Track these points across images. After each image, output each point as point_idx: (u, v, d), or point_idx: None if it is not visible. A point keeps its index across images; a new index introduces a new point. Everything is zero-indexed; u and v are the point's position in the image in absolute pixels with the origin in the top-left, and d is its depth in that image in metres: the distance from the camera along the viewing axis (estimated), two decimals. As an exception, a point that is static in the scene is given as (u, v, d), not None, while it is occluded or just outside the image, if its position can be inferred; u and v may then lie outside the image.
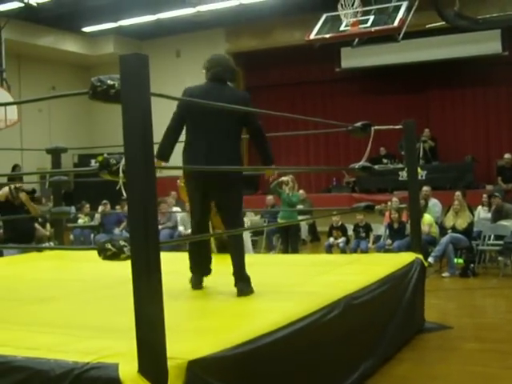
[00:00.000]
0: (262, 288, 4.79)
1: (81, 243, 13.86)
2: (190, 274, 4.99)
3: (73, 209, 15.18)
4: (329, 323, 4.18)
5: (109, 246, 3.09)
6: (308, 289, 4.77)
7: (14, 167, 16.41)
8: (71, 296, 4.84)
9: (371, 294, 4.96)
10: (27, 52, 18.28)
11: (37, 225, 14.49)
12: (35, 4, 15.14)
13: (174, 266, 6.43)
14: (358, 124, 6.21)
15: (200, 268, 5.02)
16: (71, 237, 14.16)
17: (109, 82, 3.04)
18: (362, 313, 4.76)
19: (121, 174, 3.07)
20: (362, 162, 6.18)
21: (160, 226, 13.30)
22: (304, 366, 3.91)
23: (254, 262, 6.84)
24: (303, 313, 3.95)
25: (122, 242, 3.06)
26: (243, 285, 4.61)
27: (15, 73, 18.03)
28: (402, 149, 13.29)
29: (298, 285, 4.95)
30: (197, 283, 4.96)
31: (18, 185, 8.39)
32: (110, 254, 3.09)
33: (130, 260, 2.87)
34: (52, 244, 8.01)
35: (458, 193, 10.96)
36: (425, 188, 11.83)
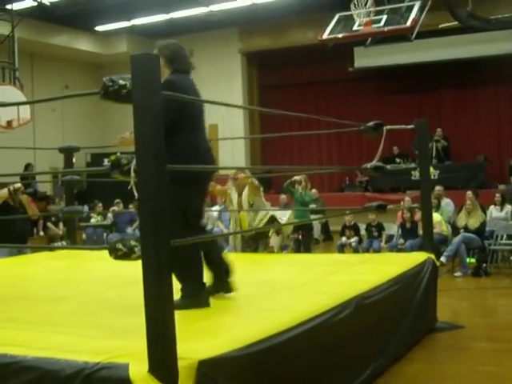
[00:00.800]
0: (273, 287, 4.81)
1: (93, 242, 13.92)
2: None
3: (85, 208, 15.27)
4: (340, 323, 4.17)
5: (120, 245, 3.10)
6: (319, 288, 4.76)
7: (27, 166, 16.49)
8: (83, 295, 4.85)
9: (383, 293, 4.95)
10: (40, 51, 18.33)
11: (49, 224, 14.66)
12: (48, 3, 15.20)
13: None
14: (371, 124, 6.19)
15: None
16: (84, 236, 14.22)
17: (120, 81, 3.04)
18: (374, 312, 4.75)
19: (132, 174, 3.09)
20: (375, 162, 6.17)
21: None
22: (314, 366, 3.91)
23: (266, 261, 6.92)
24: (314, 312, 3.95)
25: (132, 242, 3.06)
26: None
27: (28, 72, 18.10)
28: (415, 148, 13.27)
29: (310, 284, 4.95)
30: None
31: (17, 186, 8.31)
32: (120, 253, 3.09)
33: (141, 260, 2.89)
34: (64, 243, 8.02)
35: (469, 192, 10.92)
36: (437, 188, 11.79)
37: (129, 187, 3.13)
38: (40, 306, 4.42)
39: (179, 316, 3.04)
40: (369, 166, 6.35)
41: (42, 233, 14.80)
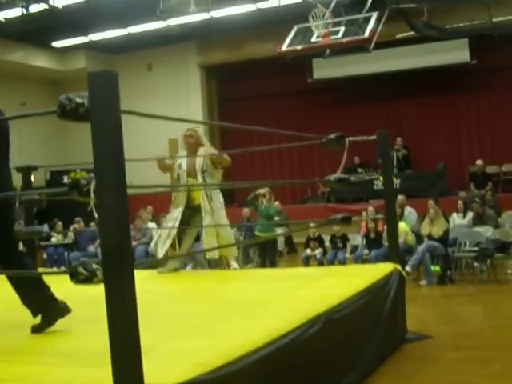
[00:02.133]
0: (240, 305, 4.72)
1: (54, 262, 13.69)
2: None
3: (46, 227, 15.01)
4: (310, 339, 4.11)
5: (81, 269, 2.99)
6: (287, 304, 4.68)
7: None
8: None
9: (352, 306, 4.90)
10: (-4, 68, 18.06)
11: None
12: (3, 19, 14.94)
13: (149, 284, 6.39)
14: (332, 136, 6.18)
15: None
16: (44, 255, 13.97)
17: (78, 100, 2.93)
18: (344, 326, 4.70)
19: (92, 195, 2.98)
20: (338, 174, 6.14)
21: (135, 242, 13.18)
22: (286, 384, 3.84)
23: (231, 277, 6.82)
24: (284, 330, 3.87)
25: (94, 266, 2.95)
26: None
27: (-16, 89, 17.85)
28: (379, 158, 13.37)
29: (277, 300, 4.86)
30: None
31: None
32: (82, 277, 2.97)
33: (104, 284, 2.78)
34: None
35: (431, 201, 10.97)
36: (400, 197, 11.84)
37: (88, 208, 3.02)
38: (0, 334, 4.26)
39: (144, 338, 2.94)
40: (332, 177, 6.32)
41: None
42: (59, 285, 4.08)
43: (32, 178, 15.27)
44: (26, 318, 4.56)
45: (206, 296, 5.46)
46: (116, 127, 2.79)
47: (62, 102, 2.98)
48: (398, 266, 6.28)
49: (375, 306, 5.54)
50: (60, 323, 4.29)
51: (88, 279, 2.96)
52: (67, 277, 3.02)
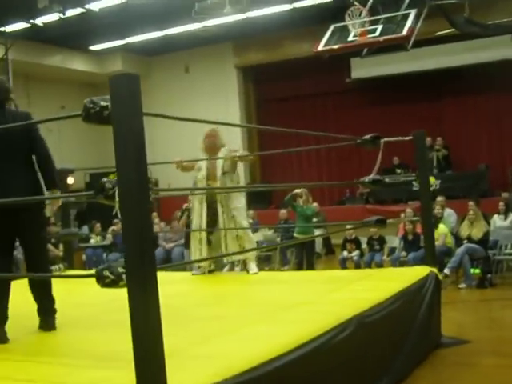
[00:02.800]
0: (270, 308, 4.68)
1: (93, 263, 13.77)
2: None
3: (85, 228, 15.16)
4: (340, 344, 4.04)
5: (107, 273, 2.97)
6: (318, 308, 4.63)
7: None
8: (77, 322, 4.72)
9: (384, 311, 4.81)
10: (35, 72, 18.26)
11: (50, 245, 14.51)
12: (41, 24, 15.12)
13: (181, 286, 6.38)
14: (367, 137, 6.09)
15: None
16: (84, 257, 14.07)
17: (102, 103, 2.94)
18: (375, 331, 4.61)
19: (117, 199, 2.96)
20: (372, 176, 6.05)
21: (172, 244, 13.23)
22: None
23: (264, 280, 6.76)
24: (312, 334, 3.81)
25: (120, 269, 2.93)
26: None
27: (24, 93, 18.01)
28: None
29: (308, 304, 4.80)
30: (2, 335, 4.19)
31: None
32: (108, 281, 2.96)
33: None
34: (61, 266, 7.90)
35: (471, 203, 10.78)
36: (439, 198, 11.67)
37: (113, 212, 3.00)
38: (29, 335, 4.28)
39: (168, 343, 2.92)
40: (366, 179, 6.25)
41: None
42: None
43: (72, 181, 15.53)
44: (61, 320, 4.60)
45: (236, 299, 5.42)
46: (138, 130, 2.77)
47: (86, 106, 3.01)
48: (435, 270, 6.16)
49: (409, 310, 5.43)
50: (95, 326, 4.31)
51: (114, 283, 2.94)
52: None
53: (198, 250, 7.08)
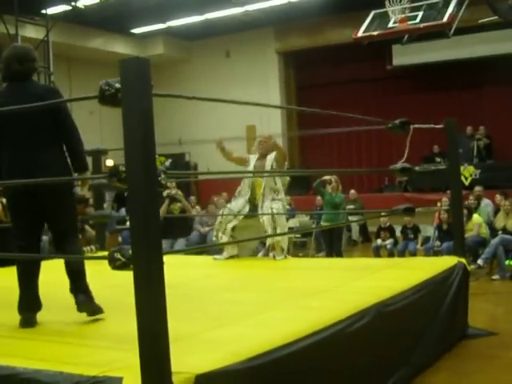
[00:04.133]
0: (289, 294, 4.67)
1: (128, 245, 13.88)
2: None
3: (123, 211, 15.27)
4: (357, 332, 4.01)
5: (118, 255, 2.99)
6: (338, 295, 4.61)
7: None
8: (100, 303, 4.76)
9: (406, 300, 4.76)
10: (77, 54, 18.49)
11: (87, 226, 14.67)
12: (82, 6, 15.27)
13: (203, 270, 6.41)
14: (397, 121, 6.02)
15: (30, 302, 4.20)
16: (120, 239, 14.20)
17: (117, 85, 2.94)
18: (395, 320, 4.57)
19: None
20: (400, 164, 5.99)
21: (207, 228, 13.28)
22: (328, 378, 3.75)
23: (288, 266, 6.76)
24: (328, 322, 3.79)
25: (131, 252, 2.96)
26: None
27: (65, 75, 18.25)
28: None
29: (329, 291, 4.79)
30: (27, 321, 4.11)
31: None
32: (119, 263, 2.99)
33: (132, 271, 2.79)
34: (93, 248, 8.00)
35: (497, 195, 10.64)
36: (477, 188, 11.53)
37: (126, 194, 3.02)
38: (51, 314, 4.33)
39: (177, 326, 2.94)
40: (397, 167, 6.17)
41: (79, 235, 14.83)
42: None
43: (111, 162, 15.66)
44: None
45: (258, 284, 5.42)
46: (147, 113, 2.77)
47: (101, 88, 3.01)
48: (463, 260, 6.07)
49: (434, 300, 5.37)
50: (115, 306, 4.36)
51: (124, 265, 2.97)
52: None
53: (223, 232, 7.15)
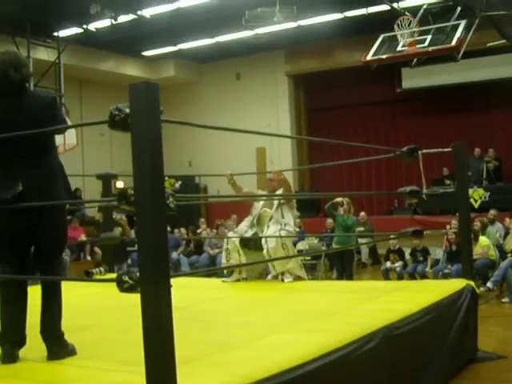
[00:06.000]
0: (297, 317, 4.67)
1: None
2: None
3: (132, 233, 15.31)
4: (365, 355, 4.00)
5: (126, 278, 3.01)
6: (346, 318, 4.60)
7: (75, 191, 16.67)
8: (108, 325, 4.80)
9: (414, 323, 4.76)
10: (88, 76, 18.67)
11: (96, 248, 14.73)
12: (94, 29, 15.42)
13: (211, 292, 6.42)
14: (405, 149, 6.05)
15: (13, 333, 3.74)
16: (129, 261, 14.22)
17: (127, 110, 2.98)
18: (404, 344, 4.56)
19: None
20: (425, 189, 6.01)
21: (217, 250, 13.32)
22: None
23: (297, 289, 6.76)
24: (335, 345, 3.79)
25: (139, 274, 2.98)
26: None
27: (76, 97, 18.42)
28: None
29: (337, 314, 4.79)
30: (8, 355, 3.68)
31: None
32: (127, 286, 3.01)
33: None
34: (102, 269, 8.00)
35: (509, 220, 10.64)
36: (492, 211, 11.55)
37: (135, 218, 3.05)
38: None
39: (185, 349, 2.95)
40: (407, 189, 6.18)
41: (89, 257, 14.90)
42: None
43: (121, 185, 15.72)
44: (96, 322, 4.69)
45: (266, 306, 5.43)
46: (155, 138, 2.81)
47: (111, 113, 3.03)
48: (471, 283, 6.07)
49: (442, 323, 5.36)
50: (124, 329, 4.36)
51: (133, 288, 2.98)
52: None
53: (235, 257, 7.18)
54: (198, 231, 15.28)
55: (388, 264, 11.77)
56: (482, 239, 10.25)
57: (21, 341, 3.75)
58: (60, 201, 3.88)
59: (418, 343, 4.87)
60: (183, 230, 15.30)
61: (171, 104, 17.16)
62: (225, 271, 7.63)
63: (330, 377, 3.68)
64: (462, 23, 12.22)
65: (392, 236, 11.06)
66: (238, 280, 7.21)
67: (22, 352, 3.73)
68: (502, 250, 10.56)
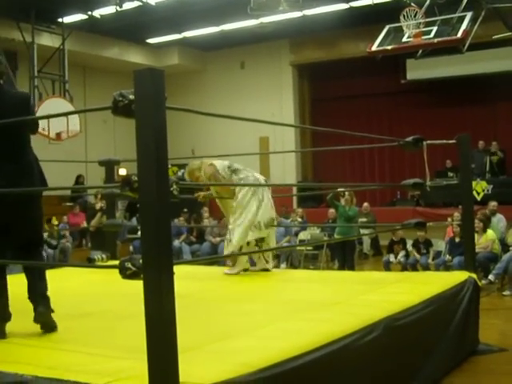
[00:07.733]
0: (298, 306, 4.67)
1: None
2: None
3: (134, 220, 15.34)
4: (366, 346, 4.00)
5: (129, 264, 3.01)
6: (347, 309, 4.59)
7: (78, 177, 16.68)
8: (110, 312, 4.79)
9: (415, 315, 4.75)
10: (92, 63, 18.68)
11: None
12: (99, 16, 15.39)
13: (214, 282, 6.42)
14: (409, 139, 6.03)
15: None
16: (131, 248, 14.25)
17: (130, 96, 2.97)
18: (405, 335, 4.56)
19: None
20: (428, 181, 6.00)
21: (218, 238, 13.35)
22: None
23: (299, 279, 6.76)
24: (336, 335, 3.78)
25: (142, 261, 2.98)
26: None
27: (80, 84, 18.40)
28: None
29: (337, 304, 4.78)
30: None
31: None
32: (129, 273, 3.00)
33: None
34: (104, 256, 7.99)
35: None
36: (492, 203, 11.52)
37: (138, 205, 3.04)
38: (61, 322, 4.35)
39: (187, 337, 2.95)
40: (411, 182, 6.17)
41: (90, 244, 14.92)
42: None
43: (124, 172, 15.73)
44: (98, 309, 4.69)
45: (267, 296, 5.43)
46: (160, 125, 2.80)
47: (115, 99, 3.02)
48: (473, 275, 6.06)
49: (444, 315, 5.36)
50: (126, 315, 4.35)
51: (135, 274, 2.98)
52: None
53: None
54: (203, 223, 15.07)
55: (391, 257, 11.72)
56: (489, 233, 10.23)
57: (6, 317, 3.95)
58: (36, 195, 4.07)
59: (420, 335, 4.87)
60: (182, 219, 15.15)
61: (175, 92, 17.10)
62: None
63: (331, 367, 3.68)
64: (468, 15, 12.20)
65: (396, 227, 11.07)
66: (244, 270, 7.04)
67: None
68: (504, 243, 10.54)
